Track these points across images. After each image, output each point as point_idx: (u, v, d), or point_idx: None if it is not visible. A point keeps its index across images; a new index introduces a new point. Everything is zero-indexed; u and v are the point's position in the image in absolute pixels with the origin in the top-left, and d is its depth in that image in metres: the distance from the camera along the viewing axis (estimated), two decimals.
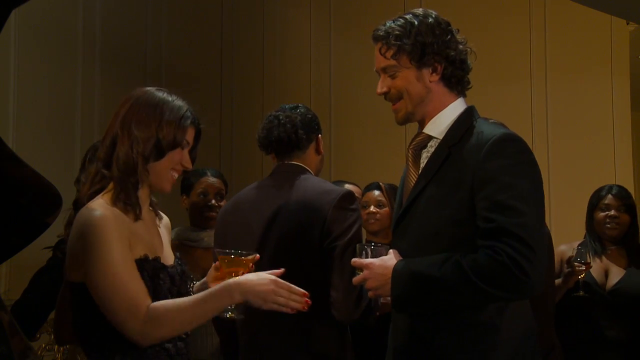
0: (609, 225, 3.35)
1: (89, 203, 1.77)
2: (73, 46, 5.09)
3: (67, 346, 3.20)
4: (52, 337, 3.50)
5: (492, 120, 2.01)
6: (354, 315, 2.23)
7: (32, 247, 2.38)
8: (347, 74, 5.55)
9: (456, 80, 1.96)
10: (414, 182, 1.95)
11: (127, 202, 1.78)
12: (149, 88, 1.89)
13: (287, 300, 1.74)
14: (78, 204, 1.81)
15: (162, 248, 1.90)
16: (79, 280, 1.75)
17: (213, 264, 1.98)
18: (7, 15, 2.13)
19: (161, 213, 1.99)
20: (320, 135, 2.48)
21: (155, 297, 1.75)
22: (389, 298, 1.87)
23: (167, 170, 1.84)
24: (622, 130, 4.78)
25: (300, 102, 2.54)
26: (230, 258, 1.89)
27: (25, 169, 2.15)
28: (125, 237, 1.74)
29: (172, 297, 1.79)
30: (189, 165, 1.89)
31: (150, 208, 1.92)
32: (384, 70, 1.97)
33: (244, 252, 1.91)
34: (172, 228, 3.14)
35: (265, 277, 1.75)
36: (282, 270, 1.80)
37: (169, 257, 1.90)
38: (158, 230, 1.92)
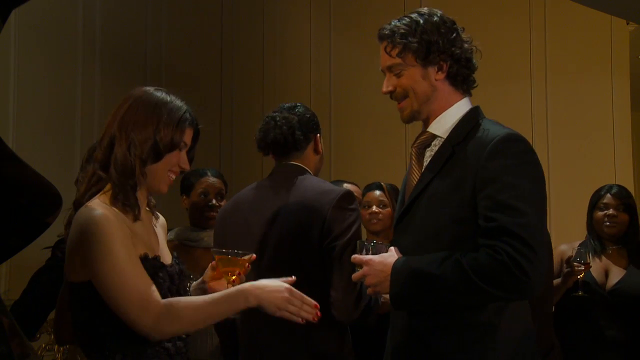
0: (607, 224, 3.35)
1: (87, 202, 1.77)
2: (73, 46, 5.09)
3: (67, 346, 3.20)
4: (52, 337, 3.50)
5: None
6: (353, 315, 2.23)
7: (32, 247, 2.38)
8: (347, 74, 5.55)
9: (462, 78, 1.96)
10: (416, 180, 1.95)
11: (125, 203, 1.78)
12: (148, 88, 1.88)
13: (298, 310, 1.76)
14: (78, 204, 1.81)
15: (159, 247, 1.90)
16: (79, 280, 1.75)
17: (210, 264, 1.98)
18: (7, 15, 2.13)
19: (157, 213, 1.99)
20: (319, 134, 2.47)
21: None
22: (388, 296, 1.87)
23: (165, 171, 1.84)
24: (622, 130, 4.78)
25: (300, 102, 2.52)
26: (227, 258, 1.89)
27: (25, 169, 2.15)
28: (127, 236, 1.74)
29: (172, 295, 1.79)
30: (187, 167, 1.89)
31: (147, 208, 1.91)
32: (390, 69, 1.97)
33: (240, 251, 1.91)
34: (172, 228, 3.16)
35: (280, 284, 1.77)
36: (293, 278, 1.81)
37: (166, 256, 1.90)
38: (155, 230, 1.92)
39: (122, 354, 1.73)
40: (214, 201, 3.05)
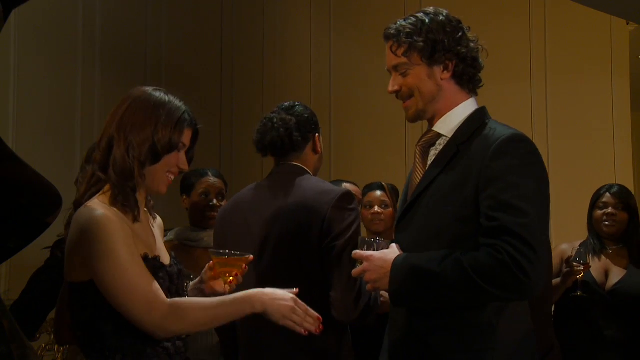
0: (606, 223, 3.36)
1: (87, 202, 1.77)
2: (73, 46, 5.09)
3: (67, 346, 3.20)
4: (52, 337, 3.50)
5: None
6: (352, 316, 2.23)
7: (32, 247, 2.38)
8: (347, 74, 5.55)
9: (468, 78, 1.95)
10: (419, 178, 1.94)
11: (125, 204, 1.78)
12: (146, 88, 1.87)
13: (302, 320, 1.78)
14: (78, 204, 1.81)
15: (157, 248, 1.90)
16: (79, 280, 1.75)
17: (207, 264, 1.98)
18: (7, 15, 2.13)
19: (154, 213, 1.99)
20: (318, 134, 2.46)
21: None
22: (388, 296, 1.87)
23: (163, 172, 1.84)
24: (622, 130, 4.78)
25: (300, 102, 2.51)
26: (224, 259, 1.90)
27: (25, 169, 2.15)
28: (129, 235, 1.74)
29: (171, 295, 1.80)
30: (186, 167, 1.88)
31: (145, 209, 1.91)
32: (395, 68, 1.96)
33: (237, 252, 1.91)
34: (172, 228, 3.16)
35: (286, 294, 1.80)
36: (296, 290, 1.84)
37: (165, 256, 1.90)
38: (152, 231, 1.92)
39: (121, 354, 1.74)
40: (215, 201, 3.05)
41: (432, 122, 1.98)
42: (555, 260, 3.32)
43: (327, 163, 5.08)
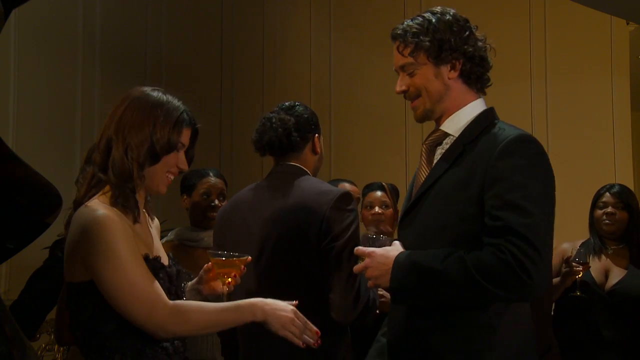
0: (606, 222, 3.36)
1: (87, 202, 1.76)
2: (73, 46, 5.10)
3: (68, 347, 3.20)
4: (52, 337, 3.50)
5: None
6: (351, 317, 2.23)
7: (32, 247, 2.38)
8: (347, 74, 5.55)
9: (475, 77, 1.95)
10: (425, 176, 1.94)
11: (125, 205, 1.77)
12: (145, 88, 1.86)
13: (301, 332, 1.80)
14: (78, 204, 1.81)
15: (155, 248, 1.90)
16: (79, 280, 1.75)
17: (204, 266, 1.98)
18: (7, 15, 2.13)
19: (152, 214, 1.99)
20: (317, 134, 2.45)
21: None
22: (389, 296, 1.86)
23: (163, 173, 1.83)
24: (622, 130, 4.78)
25: (300, 102, 2.50)
26: (222, 260, 1.90)
27: (25, 169, 2.15)
28: (130, 236, 1.74)
29: (171, 295, 1.80)
30: (185, 167, 1.88)
31: (144, 210, 1.91)
32: (402, 68, 1.96)
33: (235, 254, 1.91)
34: (172, 228, 3.16)
35: (287, 305, 1.81)
36: (296, 302, 1.85)
37: (164, 257, 1.90)
38: (150, 232, 1.92)
39: (121, 354, 1.73)
40: (216, 201, 3.04)
41: (439, 121, 1.97)
42: (556, 260, 3.32)
43: (327, 163, 5.08)
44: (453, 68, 1.92)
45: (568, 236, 3.60)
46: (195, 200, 3.07)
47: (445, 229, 1.84)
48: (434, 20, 1.91)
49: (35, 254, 3.16)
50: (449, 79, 1.92)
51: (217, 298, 1.97)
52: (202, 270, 1.99)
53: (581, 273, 3.22)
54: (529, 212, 1.72)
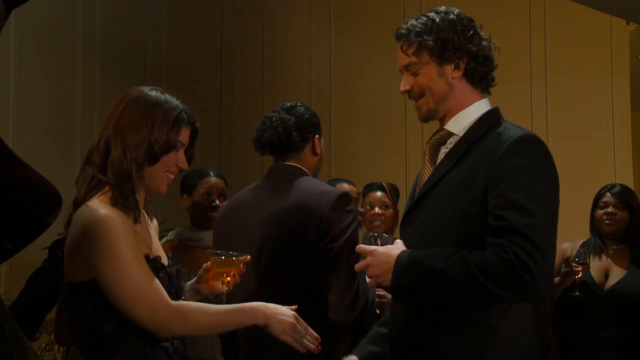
0: (606, 222, 3.36)
1: (88, 202, 1.76)
2: (73, 46, 5.10)
3: (68, 347, 3.20)
4: (52, 337, 3.50)
5: None
6: (349, 317, 2.23)
7: (32, 247, 2.38)
8: (347, 74, 5.55)
9: (479, 77, 1.94)
10: (428, 175, 1.93)
11: (126, 205, 1.77)
12: (143, 88, 1.86)
13: (301, 337, 1.80)
14: (78, 204, 1.81)
15: (154, 248, 1.90)
16: (80, 280, 1.75)
17: (204, 265, 1.98)
18: (7, 15, 2.13)
19: (151, 215, 1.99)
20: (318, 135, 2.45)
21: None
22: (389, 296, 1.86)
23: (163, 172, 1.83)
24: (622, 130, 4.78)
25: (301, 102, 2.50)
26: (221, 259, 1.90)
27: (25, 169, 2.15)
28: (132, 236, 1.74)
29: (171, 295, 1.80)
30: (185, 166, 1.88)
31: (143, 210, 1.91)
32: (406, 67, 1.95)
33: (234, 253, 1.91)
34: (172, 228, 3.16)
35: (288, 310, 1.82)
36: (295, 306, 1.86)
37: (163, 257, 1.90)
38: (150, 232, 1.92)
39: (121, 354, 1.74)
40: (217, 201, 3.04)
41: (443, 121, 1.97)
42: (556, 259, 3.32)
43: (327, 163, 5.07)
44: (457, 67, 1.91)
45: (567, 236, 3.60)
46: (195, 200, 3.07)
47: (448, 228, 1.83)
48: (437, 20, 1.91)
49: (35, 254, 3.16)
50: (452, 78, 1.91)
51: (216, 297, 1.97)
52: (201, 270, 1.99)
53: (580, 273, 3.22)
54: (532, 212, 1.72)
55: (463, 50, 1.90)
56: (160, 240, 2.05)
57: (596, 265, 3.34)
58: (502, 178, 1.76)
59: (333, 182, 3.21)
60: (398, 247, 1.87)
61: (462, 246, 1.77)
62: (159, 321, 1.71)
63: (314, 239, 2.25)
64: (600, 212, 3.39)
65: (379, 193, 3.26)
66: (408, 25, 1.95)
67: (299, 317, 1.81)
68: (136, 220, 1.80)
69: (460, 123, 1.93)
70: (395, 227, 3.22)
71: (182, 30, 5.87)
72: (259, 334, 2.30)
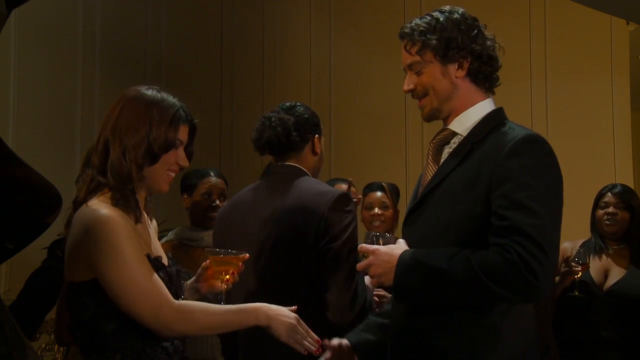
0: (607, 222, 3.36)
1: (89, 202, 1.76)
2: (73, 46, 5.10)
3: (68, 347, 3.20)
4: (52, 337, 3.50)
5: None
6: (347, 317, 2.23)
7: (32, 247, 2.38)
8: (347, 74, 5.55)
9: (483, 76, 1.93)
10: (431, 175, 1.93)
11: (126, 206, 1.77)
12: (140, 87, 1.85)
13: (302, 339, 1.81)
14: (78, 204, 1.81)
15: (154, 248, 1.90)
16: (80, 280, 1.74)
17: (202, 264, 1.98)
18: (8, 15, 2.13)
19: (151, 215, 1.99)
20: (317, 135, 2.44)
21: None
22: (390, 297, 1.86)
23: (163, 171, 1.83)
24: (622, 130, 4.79)
25: (301, 102, 2.50)
26: (220, 257, 1.90)
27: (25, 169, 2.15)
28: (134, 235, 1.74)
29: (171, 295, 1.79)
30: (185, 164, 1.87)
31: (143, 211, 1.91)
32: (410, 67, 1.94)
33: (233, 251, 1.91)
34: (172, 228, 3.16)
35: (290, 312, 1.83)
36: (295, 307, 1.87)
37: (163, 257, 1.90)
38: (149, 232, 1.92)
39: (121, 354, 1.74)
40: (217, 201, 3.04)
41: (447, 120, 1.96)
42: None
43: (327, 163, 5.07)
44: (460, 67, 1.90)
45: (567, 236, 3.59)
46: (196, 200, 3.07)
47: (450, 228, 1.82)
48: (441, 19, 1.91)
49: (35, 254, 3.16)
50: (456, 77, 1.91)
51: (216, 296, 1.97)
52: (200, 268, 1.99)
53: (580, 273, 3.22)
54: (536, 212, 1.71)
55: (467, 50, 1.89)
56: (160, 240, 2.05)
57: (596, 265, 3.34)
58: (506, 178, 1.75)
59: (331, 182, 3.21)
60: (400, 246, 1.86)
61: (465, 246, 1.77)
62: (161, 320, 1.71)
63: (314, 239, 2.25)
64: (601, 212, 3.39)
65: (378, 193, 3.25)
66: (412, 24, 1.94)
67: (300, 319, 1.81)
68: (137, 220, 1.80)
69: (464, 123, 1.92)
70: (395, 227, 3.22)
71: (182, 30, 5.87)
72: (259, 334, 2.30)
